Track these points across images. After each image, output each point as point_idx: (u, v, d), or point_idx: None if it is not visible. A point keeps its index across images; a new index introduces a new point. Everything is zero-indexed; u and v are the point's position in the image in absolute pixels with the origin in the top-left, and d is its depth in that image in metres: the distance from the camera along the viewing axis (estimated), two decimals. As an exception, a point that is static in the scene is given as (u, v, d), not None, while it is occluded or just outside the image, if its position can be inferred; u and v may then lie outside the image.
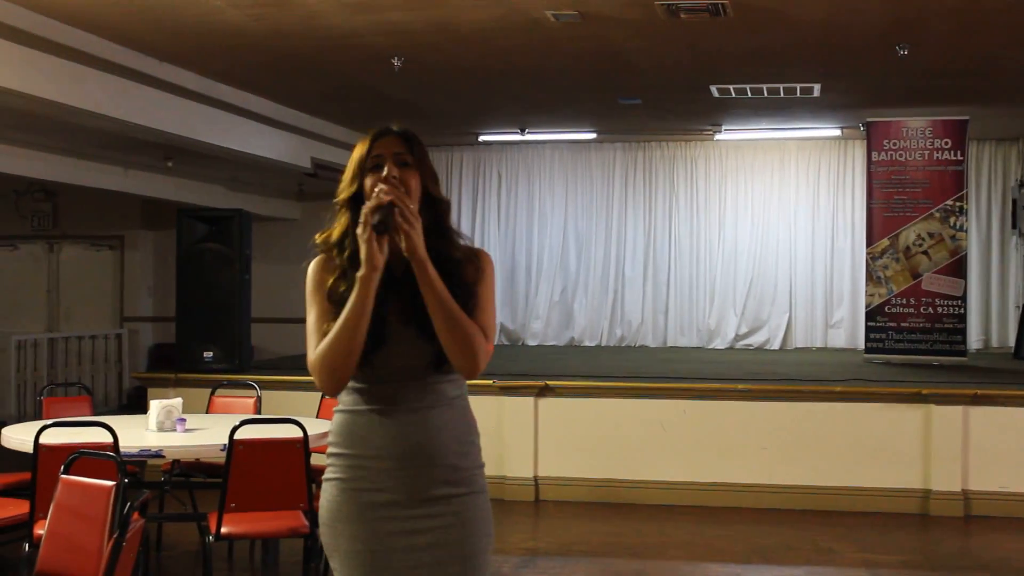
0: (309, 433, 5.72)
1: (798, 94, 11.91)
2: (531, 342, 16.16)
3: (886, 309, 12.28)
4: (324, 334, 2.88)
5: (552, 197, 16.33)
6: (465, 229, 16.19)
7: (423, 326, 2.90)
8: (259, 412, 7.54)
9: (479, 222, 16.50)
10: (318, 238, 3.07)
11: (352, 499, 2.94)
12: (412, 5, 8.49)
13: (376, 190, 2.86)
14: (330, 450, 3.02)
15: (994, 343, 15.13)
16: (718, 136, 14.86)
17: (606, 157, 16.12)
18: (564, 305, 16.24)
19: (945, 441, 8.83)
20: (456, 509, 2.97)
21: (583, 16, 8.72)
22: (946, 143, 12.25)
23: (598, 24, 8.99)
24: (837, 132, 14.71)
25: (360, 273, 2.82)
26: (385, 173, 2.91)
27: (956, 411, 8.85)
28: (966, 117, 12.29)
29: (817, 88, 11.64)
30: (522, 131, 14.79)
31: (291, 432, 5.70)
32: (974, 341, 14.66)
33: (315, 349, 2.89)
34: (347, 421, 2.99)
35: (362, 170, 2.98)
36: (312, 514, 5.81)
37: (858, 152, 14.99)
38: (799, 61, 10.47)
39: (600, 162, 16.17)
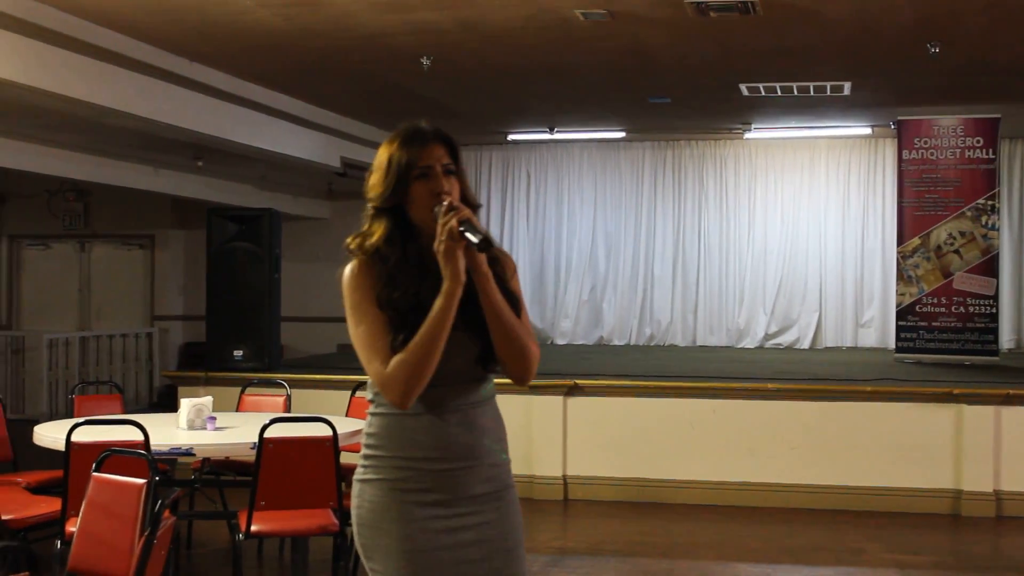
0: (339, 432, 5.73)
1: (828, 92, 11.87)
2: (560, 341, 16.15)
3: (917, 308, 12.21)
4: (388, 346, 2.85)
5: (581, 196, 16.32)
6: (494, 229, 16.33)
7: (470, 329, 2.92)
8: (289, 411, 7.55)
9: (508, 221, 16.51)
10: (352, 243, 3.02)
11: (399, 499, 2.93)
12: (441, 4, 8.50)
13: (447, 207, 2.84)
14: (370, 451, 2.99)
15: (1027, 343, 15.04)
16: (748, 135, 14.82)
17: (635, 156, 16.10)
18: (593, 304, 16.22)
19: (977, 441, 8.77)
20: (497, 505, 3.02)
21: (612, 15, 8.71)
22: (978, 141, 12.17)
23: (627, 23, 8.97)
24: (868, 131, 14.65)
25: (447, 287, 2.82)
26: (448, 201, 2.87)
27: (988, 411, 8.78)
28: (998, 115, 12.20)
29: (847, 86, 11.59)
30: (551, 130, 14.79)
31: (321, 431, 5.72)
32: (1006, 341, 14.56)
33: (381, 361, 2.85)
34: (392, 423, 2.96)
35: (408, 177, 2.94)
36: (342, 512, 5.83)
37: (889, 151, 14.90)
38: (829, 59, 10.43)
39: (629, 161, 16.15)
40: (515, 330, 2.94)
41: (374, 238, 2.97)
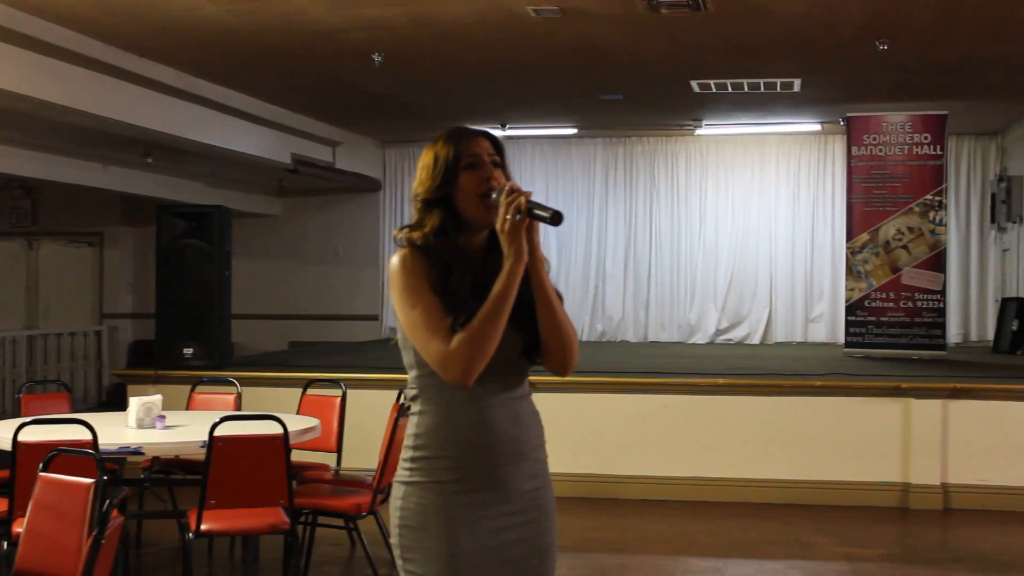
0: (290, 430, 5.71)
1: (778, 89, 11.94)
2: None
3: (866, 303, 12.31)
4: (447, 326, 2.83)
5: (533, 192, 16.26)
6: (446, 225, 16.27)
7: (514, 320, 2.90)
8: (239, 409, 7.52)
9: (460, 218, 16.47)
10: (403, 234, 3.01)
11: (448, 501, 2.91)
12: (393, 1, 8.48)
13: (510, 188, 2.88)
14: (417, 453, 2.96)
15: (973, 337, 15.22)
16: (699, 131, 14.89)
17: (587, 152, 16.14)
18: (544, 300, 16.19)
19: (924, 435, 8.86)
20: (539, 502, 3.05)
21: (563, 11, 8.72)
22: (925, 138, 12.28)
23: (578, 19, 8.99)
24: (817, 127, 14.77)
25: (509, 265, 2.82)
26: (510, 184, 2.92)
27: (935, 405, 8.87)
28: (945, 112, 12.33)
29: (797, 83, 11.67)
30: (503, 126, 14.78)
31: (271, 428, 5.69)
32: (953, 335, 14.75)
33: (442, 340, 2.82)
34: (440, 422, 2.95)
35: (456, 168, 2.97)
36: (293, 510, 5.81)
37: (838, 147, 15.03)
38: (779, 56, 10.49)
39: (581, 157, 16.18)
40: (564, 318, 2.97)
41: (427, 228, 2.97)
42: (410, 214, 3.08)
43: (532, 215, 2.85)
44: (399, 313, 2.93)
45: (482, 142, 3.02)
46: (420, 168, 3.03)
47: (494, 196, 2.90)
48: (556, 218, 2.84)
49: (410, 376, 3.01)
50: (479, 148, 3.00)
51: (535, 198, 2.90)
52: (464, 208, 2.97)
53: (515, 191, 2.86)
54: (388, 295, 3.02)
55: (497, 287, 2.83)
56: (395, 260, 2.94)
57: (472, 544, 2.90)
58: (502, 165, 3.04)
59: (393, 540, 2.98)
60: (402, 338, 3.01)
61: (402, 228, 3.03)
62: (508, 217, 2.83)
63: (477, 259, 2.98)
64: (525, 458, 3.00)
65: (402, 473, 2.98)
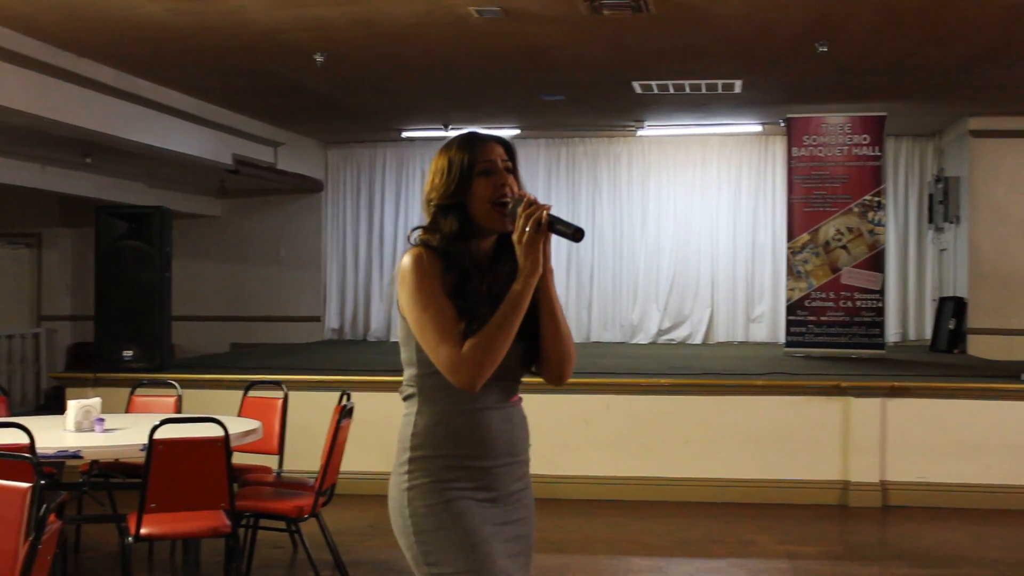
0: (230, 432, 5.66)
1: (720, 90, 12.01)
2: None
3: (806, 303, 12.43)
4: (459, 331, 2.87)
5: (551, 205, 16.23)
6: (388, 226, 16.32)
7: (519, 327, 2.94)
8: (180, 411, 7.46)
9: (402, 219, 16.49)
10: (417, 235, 3.05)
11: (455, 496, 2.94)
12: (335, 1, 8.45)
13: (529, 200, 2.93)
14: (415, 453, 2.99)
15: (911, 336, 15.40)
16: (641, 132, 14.95)
17: (529, 153, 16.14)
18: (489, 301, 16.22)
19: (863, 433, 8.96)
20: (525, 502, 3.12)
21: (506, 12, 8.72)
22: (864, 139, 12.42)
23: (521, 20, 8.99)
24: (758, 128, 14.88)
25: (525, 276, 2.88)
26: (528, 195, 2.96)
27: (874, 403, 8.97)
28: (884, 113, 12.47)
29: (738, 84, 11.75)
30: (446, 127, 14.77)
31: (212, 431, 5.65)
32: (892, 334, 14.90)
33: (453, 344, 2.86)
34: (438, 422, 2.98)
35: (471, 174, 2.98)
36: (234, 513, 5.77)
37: (779, 148, 15.16)
38: (720, 57, 10.55)
39: (523, 158, 15.80)
40: (567, 329, 3.05)
41: (443, 231, 2.99)
42: (421, 217, 3.09)
43: (553, 229, 2.91)
44: (408, 311, 2.95)
45: (496, 148, 3.04)
46: (434, 172, 3.05)
47: (510, 205, 2.95)
48: (578, 234, 2.91)
49: (407, 374, 3.06)
50: (493, 154, 3.02)
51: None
52: (478, 214, 3.00)
53: (534, 203, 2.90)
54: (395, 293, 3.03)
55: (512, 297, 2.89)
56: (408, 259, 2.95)
57: (488, 534, 2.96)
58: (514, 171, 3.06)
59: (410, 550, 2.99)
60: (404, 335, 3.05)
61: (415, 229, 3.06)
62: (527, 229, 2.88)
63: (485, 264, 3.03)
64: (515, 460, 3.08)
65: (400, 479, 3.00)
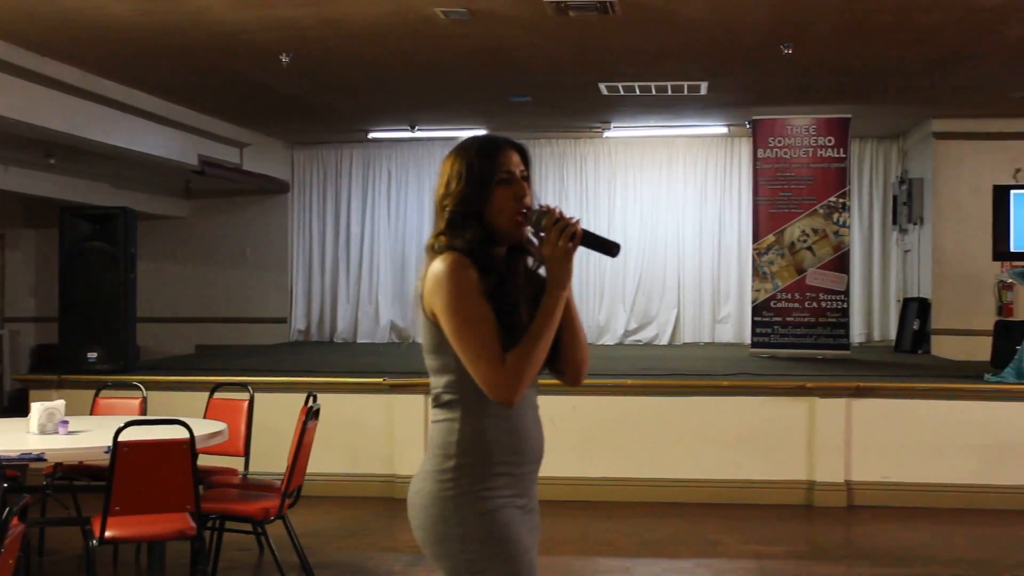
0: (196, 434, 5.64)
1: (685, 92, 12.05)
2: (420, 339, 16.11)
3: (772, 304, 12.48)
4: (500, 345, 2.86)
5: (579, 219, 16.25)
6: (355, 226, 16.28)
7: None
8: (145, 413, 7.42)
9: (369, 220, 16.48)
10: (440, 241, 3.00)
11: (500, 504, 2.94)
12: (301, 1, 8.43)
13: (559, 214, 2.96)
14: (456, 461, 2.94)
15: (876, 336, 15.49)
16: (607, 133, 14.98)
17: (496, 154, 16.11)
18: (455, 302, 16.21)
19: (829, 433, 9.00)
20: (537, 506, 3.15)
21: (472, 13, 8.73)
22: (829, 140, 12.48)
23: (487, 21, 9.00)
24: (724, 130, 14.92)
25: (559, 288, 2.92)
26: (556, 210, 2.98)
27: (839, 404, 9.02)
28: (848, 115, 12.54)
29: (704, 86, 11.79)
30: (412, 128, 14.77)
31: (177, 433, 5.62)
32: (857, 335, 15.01)
33: (495, 358, 2.85)
34: (478, 429, 2.95)
35: (491, 183, 2.97)
36: (199, 516, 5.74)
37: (744, 149, 15.22)
38: (686, 59, 10.59)
39: (490, 159, 16.15)
40: (583, 335, 3.09)
41: (467, 237, 2.96)
42: (434, 220, 3.05)
43: (589, 245, 2.97)
44: (446, 320, 2.89)
45: (514, 156, 3.02)
46: (450, 176, 3.01)
47: (533, 218, 2.96)
48: (614, 249, 2.98)
49: (443, 379, 2.99)
50: (511, 164, 3.00)
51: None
52: (496, 223, 2.98)
53: (562, 217, 2.94)
54: (424, 299, 2.97)
55: (545, 310, 2.91)
56: (444, 266, 2.90)
57: (527, 544, 2.98)
58: (528, 178, 3.06)
59: (451, 558, 2.94)
60: (435, 342, 2.98)
61: (438, 235, 3.01)
62: (560, 244, 2.91)
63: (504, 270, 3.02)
64: (539, 463, 3.11)
65: (442, 486, 2.95)
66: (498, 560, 2.90)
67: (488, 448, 2.93)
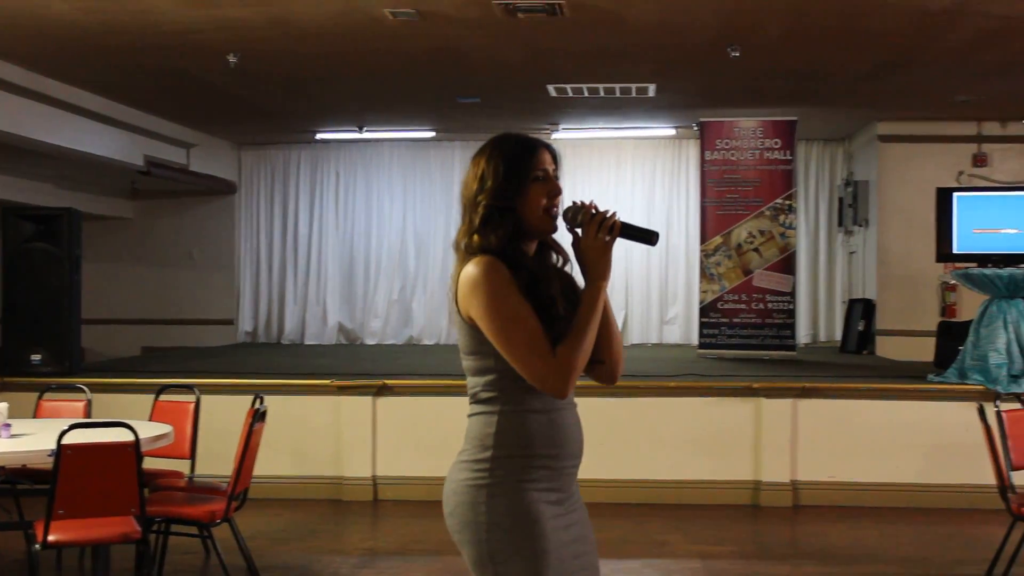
0: (141, 436, 5.59)
1: (634, 94, 12.10)
2: (369, 341, 16.12)
3: (719, 305, 12.55)
4: (547, 339, 2.90)
5: (391, 195, 16.32)
6: (303, 228, 16.22)
7: None
8: (89, 416, 7.36)
9: (316, 221, 16.42)
10: (474, 241, 3.01)
11: (533, 498, 2.96)
12: (249, 1, 8.38)
13: (594, 207, 3.03)
14: (493, 452, 2.98)
15: (822, 337, 15.63)
16: (555, 135, 14.99)
17: (445, 155, 16.15)
18: (403, 304, 16.25)
19: (775, 433, 9.07)
20: (581, 502, 3.16)
21: (421, 14, 8.72)
22: (776, 143, 12.58)
23: (436, 22, 8.99)
24: (672, 132, 15.00)
25: (600, 280, 2.98)
26: (592, 204, 3.05)
27: (785, 404, 9.09)
28: (795, 118, 12.64)
29: (652, 88, 11.83)
30: (360, 129, 14.73)
31: (122, 436, 5.57)
32: (803, 336, 15.13)
33: (546, 353, 2.89)
34: (518, 422, 2.98)
35: (527, 179, 3.02)
36: (145, 519, 5.70)
37: (692, 151, 15.31)
38: (634, 61, 10.63)
39: (439, 160, 16.20)
40: (618, 332, 3.15)
41: (500, 234, 2.99)
42: (464, 218, 3.06)
43: (630, 236, 3.03)
44: (485, 322, 2.92)
45: (547, 155, 3.08)
46: (484, 172, 3.05)
47: (570, 214, 3.04)
48: (653, 238, 3.04)
49: (483, 379, 3.02)
50: (545, 161, 3.06)
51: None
52: (529, 218, 3.03)
53: (599, 211, 3.00)
54: (460, 303, 2.99)
55: (588, 302, 2.97)
56: (478, 269, 2.93)
57: (557, 540, 2.97)
58: (558, 178, 3.11)
59: (477, 546, 2.96)
60: (473, 344, 3.01)
61: (471, 234, 3.02)
62: (600, 236, 2.98)
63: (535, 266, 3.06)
64: (579, 459, 3.12)
65: (475, 475, 2.99)
66: (520, 552, 2.92)
67: (527, 441, 2.97)
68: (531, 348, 2.88)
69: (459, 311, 3.00)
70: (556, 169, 3.09)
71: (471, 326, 2.97)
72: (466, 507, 2.98)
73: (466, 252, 3.00)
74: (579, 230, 3.02)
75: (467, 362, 3.05)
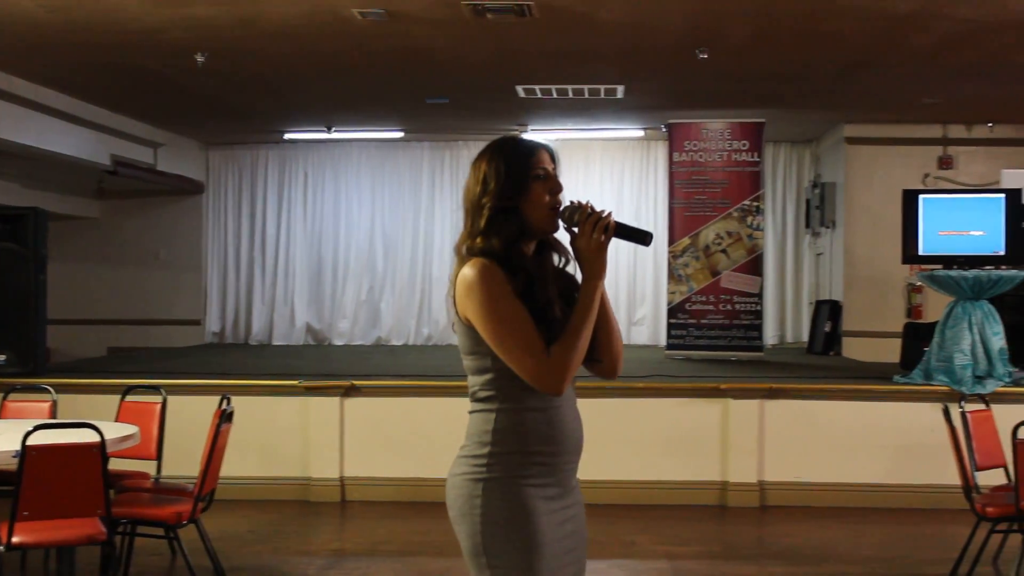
0: (107, 437, 5.56)
1: (602, 95, 12.12)
2: (338, 342, 16.09)
3: (687, 306, 12.59)
4: (540, 338, 2.95)
5: (359, 196, 16.30)
6: (271, 228, 16.17)
7: None
8: (55, 417, 7.31)
9: (284, 221, 16.38)
10: (470, 244, 3.08)
11: (528, 494, 3.01)
12: (216, 0, 8.35)
13: (590, 207, 3.05)
14: (492, 448, 3.04)
15: (789, 338, 15.70)
16: (524, 135, 14.98)
17: (414, 156, 16.15)
18: (371, 304, 16.23)
19: (742, 434, 9.10)
20: (580, 498, 3.23)
21: (390, 14, 8.71)
22: (744, 144, 12.63)
23: (405, 22, 8.99)
24: (640, 133, 15.03)
25: (596, 279, 3.02)
26: (589, 204, 3.06)
27: (752, 405, 9.12)
28: (762, 120, 12.69)
29: (620, 90, 11.86)
30: (329, 129, 14.70)
31: (88, 437, 5.54)
32: (770, 337, 15.19)
33: (539, 352, 2.94)
34: (517, 419, 3.04)
35: (528, 177, 3.07)
36: (110, 520, 5.67)
37: (660, 153, 15.35)
38: (603, 63, 10.65)
39: (408, 161, 16.19)
40: (618, 327, 3.20)
41: (501, 238, 3.05)
42: (468, 221, 3.09)
43: (624, 236, 3.07)
44: (481, 323, 2.98)
45: (546, 155, 3.13)
46: (487, 175, 3.11)
47: (567, 212, 3.06)
48: (647, 238, 3.09)
49: (481, 379, 3.08)
50: (544, 161, 3.11)
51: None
52: (532, 217, 3.07)
53: (594, 212, 3.03)
54: (458, 304, 3.04)
55: (585, 301, 3.02)
56: (474, 271, 2.99)
57: (551, 535, 3.04)
58: (557, 175, 3.16)
59: (472, 540, 3.03)
60: (471, 345, 3.07)
61: (474, 237, 3.08)
62: (595, 236, 3.00)
63: (534, 265, 3.10)
64: (578, 456, 3.20)
65: (474, 470, 3.06)
66: (513, 545, 2.99)
67: (524, 437, 3.04)
68: (525, 348, 2.94)
69: (457, 313, 3.07)
70: (555, 168, 3.14)
71: (468, 327, 3.03)
72: (463, 500, 3.07)
73: (467, 254, 3.06)
74: (576, 229, 3.06)
75: (466, 362, 3.11)
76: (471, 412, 3.14)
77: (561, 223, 3.09)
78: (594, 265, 3.02)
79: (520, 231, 3.06)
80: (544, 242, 3.14)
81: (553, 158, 3.15)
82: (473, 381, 3.11)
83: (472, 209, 3.11)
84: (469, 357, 3.09)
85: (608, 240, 3.02)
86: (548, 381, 2.94)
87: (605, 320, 3.12)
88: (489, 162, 3.11)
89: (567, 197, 3.10)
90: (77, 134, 12.50)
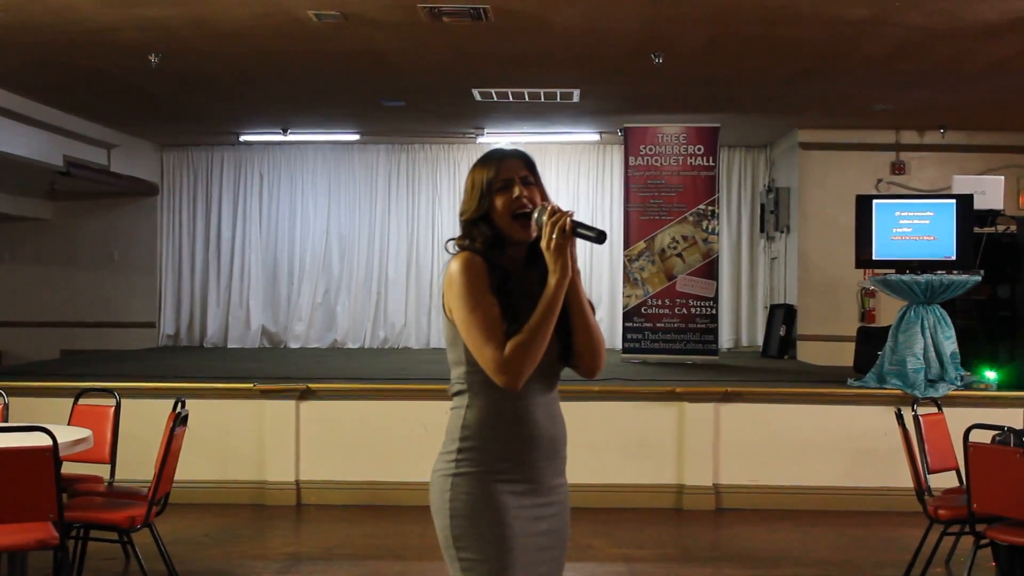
0: (59, 441, 5.51)
1: (558, 99, 12.15)
2: (293, 344, 16.03)
3: (642, 310, 12.62)
4: (503, 333, 3.03)
5: (315, 198, 16.25)
6: (226, 230, 16.09)
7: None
8: (6, 420, 7.23)
9: (240, 223, 16.29)
10: (459, 243, 3.22)
11: (496, 489, 3.10)
12: (170, 1, 8.30)
13: (553, 209, 3.11)
14: (464, 444, 3.15)
15: (744, 342, 15.79)
16: (480, 139, 15.02)
17: (369, 159, 16.12)
18: (327, 307, 16.18)
19: (697, 437, 9.13)
20: (562, 497, 3.32)
21: (345, 16, 8.70)
22: (699, 149, 12.67)
23: (360, 25, 8.97)
24: (596, 137, 15.08)
25: (556, 279, 3.07)
26: (551, 204, 3.14)
27: (708, 408, 9.15)
28: (718, 124, 12.75)
29: (576, 94, 11.89)
30: (284, 131, 14.66)
31: (40, 440, 5.48)
32: (725, 340, 15.28)
33: (498, 345, 3.02)
34: (487, 416, 3.14)
35: (491, 191, 3.18)
36: (63, 525, 5.61)
37: (616, 157, 15.41)
38: (559, 67, 10.67)
39: (363, 163, 16.16)
40: (596, 325, 3.24)
41: (480, 239, 3.17)
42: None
43: (577, 234, 3.11)
44: (456, 313, 3.10)
45: (514, 163, 3.22)
46: (465, 190, 3.26)
47: (535, 215, 3.14)
48: (601, 237, 3.12)
49: (456, 372, 3.21)
50: (509, 171, 3.20)
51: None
52: (502, 226, 3.18)
53: (557, 211, 3.10)
54: (444, 296, 3.17)
55: (545, 300, 3.07)
56: (457, 264, 3.12)
57: (519, 530, 3.13)
58: (535, 182, 3.24)
59: (443, 532, 3.16)
60: (451, 336, 3.19)
61: (459, 241, 3.23)
62: (554, 236, 3.07)
63: (521, 270, 3.21)
64: (557, 455, 3.28)
65: (446, 466, 3.18)
66: (479, 539, 3.10)
67: (491, 434, 3.13)
68: (487, 338, 3.03)
69: (444, 306, 3.19)
70: (530, 175, 3.22)
71: (449, 319, 3.17)
72: (437, 495, 3.19)
73: (454, 252, 3.20)
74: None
75: (448, 354, 3.23)
76: (449, 410, 3.25)
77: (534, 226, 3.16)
78: (555, 264, 3.07)
79: (495, 238, 3.17)
80: (539, 251, 3.17)
81: (528, 165, 3.24)
82: (452, 376, 3.23)
83: (460, 221, 3.26)
84: (448, 349, 3.22)
85: (567, 240, 3.07)
86: (502, 375, 3.02)
87: (580, 315, 3.19)
88: (469, 177, 3.25)
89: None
90: (29, 134, 12.39)
